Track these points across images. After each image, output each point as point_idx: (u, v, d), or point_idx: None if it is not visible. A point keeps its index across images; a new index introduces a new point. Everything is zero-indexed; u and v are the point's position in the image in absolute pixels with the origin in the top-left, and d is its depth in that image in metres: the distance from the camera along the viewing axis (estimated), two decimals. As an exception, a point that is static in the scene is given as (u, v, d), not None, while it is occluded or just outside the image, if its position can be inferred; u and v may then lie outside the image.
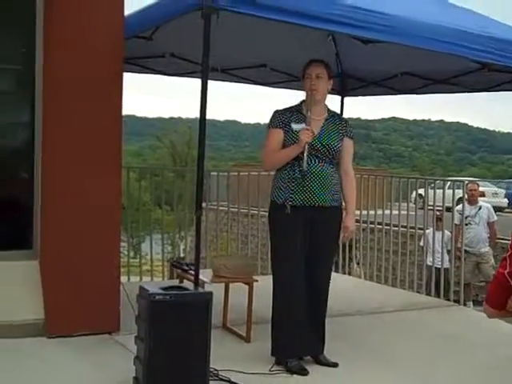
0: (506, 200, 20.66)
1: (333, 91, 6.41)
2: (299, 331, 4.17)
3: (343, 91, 6.65)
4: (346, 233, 4.33)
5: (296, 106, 4.32)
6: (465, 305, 7.36)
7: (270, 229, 4.31)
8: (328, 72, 4.27)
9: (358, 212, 8.14)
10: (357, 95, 6.89)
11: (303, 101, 4.31)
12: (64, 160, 4.54)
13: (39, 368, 3.96)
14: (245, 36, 5.33)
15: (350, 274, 8.35)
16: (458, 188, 7.87)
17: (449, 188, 7.82)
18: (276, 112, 4.30)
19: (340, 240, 4.53)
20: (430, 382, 4.08)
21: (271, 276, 4.32)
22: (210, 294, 3.55)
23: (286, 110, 4.30)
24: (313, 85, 4.19)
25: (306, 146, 4.09)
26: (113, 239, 4.68)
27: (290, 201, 4.15)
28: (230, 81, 6.76)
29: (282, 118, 4.23)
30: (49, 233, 4.61)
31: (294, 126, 4.18)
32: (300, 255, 4.15)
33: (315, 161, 4.17)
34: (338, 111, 6.59)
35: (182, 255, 10.33)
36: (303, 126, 4.16)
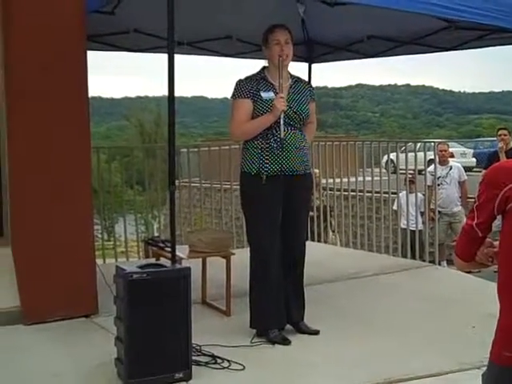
0: (474, 159, 20.82)
1: (300, 58, 6.41)
2: (278, 301, 4.17)
3: (310, 58, 6.59)
4: None
5: (258, 73, 4.23)
6: (439, 264, 7.45)
7: (245, 200, 4.25)
8: (292, 37, 4.22)
9: (331, 180, 8.18)
10: (324, 61, 6.85)
11: (264, 67, 4.24)
12: (32, 143, 4.42)
13: (18, 356, 3.90)
14: (209, 7, 5.24)
15: (326, 242, 8.39)
16: (429, 150, 7.90)
17: (419, 150, 7.85)
18: (241, 82, 4.18)
19: None
20: (410, 342, 4.11)
21: (246, 249, 4.30)
22: (188, 269, 3.51)
23: (249, 78, 4.20)
24: (283, 50, 4.13)
25: (282, 115, 4.05)
26: (86, 221, 4.60)
27: (266, 170, 4.09)
28: (196, 54, 6.66)
29: (249, 87, 4.14)
30: (20, 218, 4.52)
31: (264, 95, 4.11)
32: (276, 225, 4.13)
33: (288, 128, 4.12)
34: (306, 79, 6.57)
35: (156, 234, 10.27)
36: (272, 94, 4.11)
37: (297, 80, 4.31)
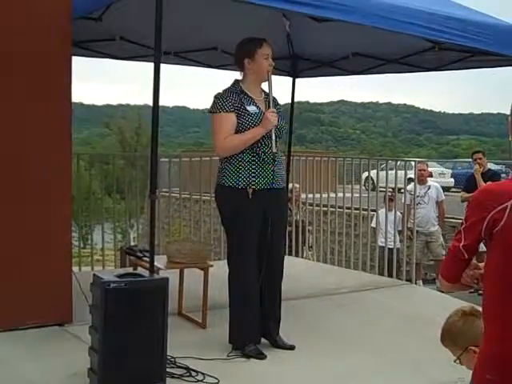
0: (452, 180, 21.04)
1: (284, 73, 6.44)
2: (256, 317, 4.15)
3: (295, 73, 6.62)
4: None
5: (235, 87, 4.16)
6: (415, 283, 7.48)
7: (228, 215, 4.16)
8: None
9: (310, 195, 8.19)
10: (308, 76, 6.87)
11: (238, 81, 4.20)
12: (12, 147, 4.36)
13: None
14: (195, 19, 5.25)
15: (303, 257, 8.38)
16: (408, 169, 7.96)
17: (399, 169, 7.90)
18: (221, 96, 4.10)
19: None
20: (385, 361, 4.12)
21: (223, 261, 4.28)
22: (166, 279, 3.49)
23: (229, 92, 4.12)
24: (271, 65, 4.14)
25: (273, 129, 4.06)
26: (63, 228, 4.54)
27: (253, 185, 4.06)
28: (181, 64, 6.66)
29: (232, 101, 4.07)
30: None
31: (249, 109, 4.09)
32: (257, 240, 4.10)
33: (270, 143, 4.13)
34: (289, 93, 6.61)
35: (132, 243, 10.21)
36: (254, 107, 4.11)
37: (267, 94, 4.26)
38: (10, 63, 4.33)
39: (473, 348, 2.27)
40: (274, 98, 4.26)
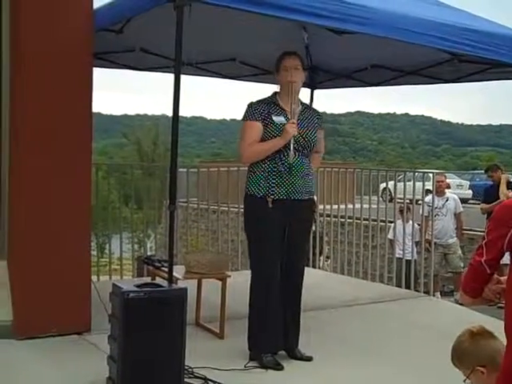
0: (470, 191, 20.95)
1: (302, 84, 6.45)
2: (277, 326, 4.16)
3: (313, 84, 6.64)
4: None
5: (270, 98, 4.30)
6: (433, 296, 7.43)
7: (250, 223, 4.26)
8: (302, 63, 4.31)
9: (328, 206, 8.18)
10: (326, 88, 6.89)
11: (276, 93, 4.31)
12: (33, 157, 4.42)
13: (8, 371, 3.86)
14: (214, 30, 5.28)
15: (320, 268, 8.36)
16: (426, 180, 7.94)
17: (416, 180, 7.87)
18: (252, 104, 4.24)
19: None
20: (404, 372, 4.09)
21: (241, 271, 4.29)
22: (185, 290, 3.51)
23: (261, 102, 4.26)
24: (292, 76, 4.19)
25: (292, 140, 4.11)
26: (83, 237, 4.59)
27: (272, 194, 4.13)
28: (200, 75, 6.70)
29: (260, 110, 4.19)
30: (17, 232, 4.50)
31: (275, 119, 4.17)
32: (278, 249, 4.14)
33: (296, 154, 4.17)
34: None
35: (149, 253, 10.25)
36: (282, 118, 4.17)
37: (306, 107, 4.41)
38: (33, 76, 4.38)
39: (480, 368, 2.26)
40: (315, 110, 4.45)
